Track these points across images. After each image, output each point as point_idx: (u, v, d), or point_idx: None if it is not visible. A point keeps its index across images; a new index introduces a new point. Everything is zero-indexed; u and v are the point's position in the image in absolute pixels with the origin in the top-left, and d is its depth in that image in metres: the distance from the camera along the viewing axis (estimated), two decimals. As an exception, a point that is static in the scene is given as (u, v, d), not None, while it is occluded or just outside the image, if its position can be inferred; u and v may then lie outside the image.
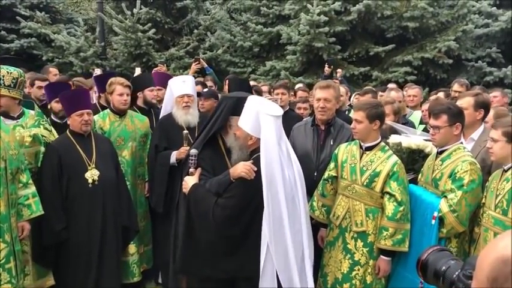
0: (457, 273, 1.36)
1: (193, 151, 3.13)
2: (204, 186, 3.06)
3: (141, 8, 10.59)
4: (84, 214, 3.93)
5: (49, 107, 4.56)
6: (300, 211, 3.06)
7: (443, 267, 1.41)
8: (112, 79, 4.73)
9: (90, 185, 3.94)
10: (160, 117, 4.62)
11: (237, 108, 3.14)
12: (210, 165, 3.20)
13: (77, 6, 15.93)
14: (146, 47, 10.44)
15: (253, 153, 3.01)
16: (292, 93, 6.41)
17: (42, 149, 3.94)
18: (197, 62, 7.45)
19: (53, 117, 4.53)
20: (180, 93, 4.36)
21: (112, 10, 11.14)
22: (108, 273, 4.01)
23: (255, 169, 2.89)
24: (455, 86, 5.83)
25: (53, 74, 6.63)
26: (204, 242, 3.02)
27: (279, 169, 2.88)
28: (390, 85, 7.48)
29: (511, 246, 0.91)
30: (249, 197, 2.92)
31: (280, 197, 2.87)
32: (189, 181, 3.11)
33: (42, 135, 3.97)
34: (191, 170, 3.13)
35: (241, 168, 2.92)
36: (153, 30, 10.58)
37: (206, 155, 3.20)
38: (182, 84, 4.41)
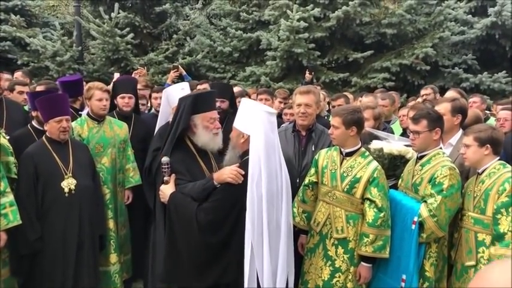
0: None
1: (165, 159, 3.06)
2: (182, 193, 3.00)
3: (119, 13, 10.47)
4: (60, 224, 3.83)
5: (34, 114, 4.37)
6: (282, 216, 3.01)
7: None
8: (90, 84, 4.63)
9: (66, 194, 3.84)
10: (157, 128, 4.48)
11: (196, 106, 3.14)
12: (184, 167, 3.14)
13: (53, 10, 15.67)
14: (124, 52, 10.31)
15: (243, 156, 2.97)
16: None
17: (12, 159, 3.81)
18: (175, 70, 7.37)
19: (34, 123, 4.35)
20: None
21: (89, 14, 10.98)
22: (86, 284, 3.91)
23: (243, 173, 2.85)
24: (422, 91, 6.22)
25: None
26: (186, 250, 2.96)
27: (266, 166, 2.83)
28: (381, 94, 7.57)
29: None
30: (233, 200, 2.87)
31: (263, 193, 2.83)
32: (166, 190, 3.04)
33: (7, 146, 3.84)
34: (165, 178, 3.07)
35: (227, 174, 2.87)
36: (132, 34, 10.46)
37: (178, 158, 3.15)
38: (182, 92, 4.21)
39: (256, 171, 2.81)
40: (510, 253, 2.96)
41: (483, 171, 3.21)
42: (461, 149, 3.33)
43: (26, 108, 5.18)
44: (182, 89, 4.33)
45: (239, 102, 5.52)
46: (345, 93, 7.09)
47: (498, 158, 3.23)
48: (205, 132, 3.19)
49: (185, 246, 2.96)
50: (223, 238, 2.90)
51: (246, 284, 2.84)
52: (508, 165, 3.22)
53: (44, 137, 3.94)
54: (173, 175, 3.08)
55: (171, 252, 3.02)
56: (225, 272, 2.91)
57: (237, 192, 2.84)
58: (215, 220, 2.86)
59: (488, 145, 3.17)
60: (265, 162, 2.84)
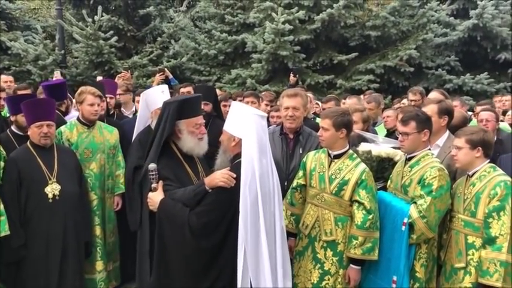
0: None
1: (152, 166, 2.97)
2: (172, 200, 2.94)
3: (102, 15, 10.35)
4: (44, 230, 3.76)
5: (13, 119, 4.29)
6: (275, 219, 3.00)
7: None
8: (82, 88, 4.57)
9: (50, 200, 3.78)
10: (136, 132, 4.39)
11: (182, 111, 3.10)
12: (171, 173, 3.10)
13: (34, 13, 15.47)
14: (108, 55, 10.21)
15: (235, 159, 2.95)
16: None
17: (3, 164, 3.73)
18: (161, 73, 7.30)
19: (14, 129, 4.27)
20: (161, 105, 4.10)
21: (72, 17, 10.87)
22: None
23: (234, 176, 2.82)
24: (410, 96, 6.01)
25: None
26: (178, 257, 2.89)
27: (259, 168, 2.81)
28: (368, 92, 7.62)
29: None
30: (226, 203, 2.83)
31: (258, 194, 2.80)
32: (155, 197, 2.97)
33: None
34: (153, 185, 2.99)
35: (219, 178, 2.83)
36: (115, 37, 10.36)
37: (164, 163, 3.10)
38: (161, 95, 4.12)
39: (249, 173, 2.78)
40: (502, 257, 2.99)
41: (473, 174, 3.22)
42: (452, 150, 3.33)
43: (3, 113, 5.09)
44: (162, 92, 4.22)
45: (223, 106, 5.52)
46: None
47: (488, 160, 3.24)
48: (191, 138, 3.15)
49: (177, 253, 2.89)
50: (218, 242, 2.85)
51: (239, 284, 2.79)
52: (498, 168, 3.24)
53: (28, 142, 3.87)
54: (161, 182, 3.01)
55: (161, 261, 2.95)
56: (219, 276, 2.87)
57: (230, 196, 2.80)
58: (208, 224, 2.82)
59: (479, 148, 3.17)
60: (258, 164, 2.82)
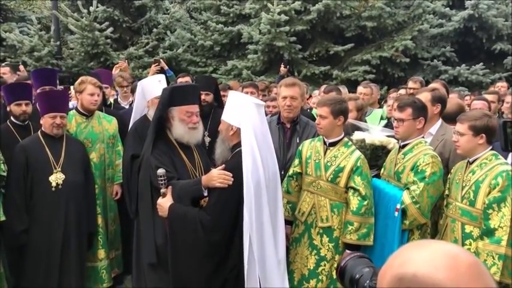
0: (367, 282, 1.41)
1: (161, 171, 2.94)
2: (181, 205, 2.95)
3: (97, 6, 10.33)
4: (45, 218, 3.80)
5: (8, 109, 4.29)
6: (278, 208, 3.05)
7: (358, 275, 1.45)
8: (83, 78, 4.60)
9: (53, 189, 3.82)
10: (132, 121, 4.38)
11: (174, 98, 3.13)
12: (168, 160, 3.12)
13: (29, 4, 15.36)
14: (104, 46, 10.19)
15: (234, 148, 2.96)
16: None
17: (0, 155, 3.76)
18: (157, 64, 7.30)
19: (12, 118, 4.26)
20: (158, 94, 3.79)
21: (67, 8, 10.82)
22: (72, 280, 3.88)
23: (231, 175, 2.82)
24: (410, 84, 6.02)
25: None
26: (194, 261, 2.89)
27: (260, 155, 2.83)
28: (364, 83, 7.62)
29: (406, 263, 0.93)
30: (234, 194, 2.84)
31: (262, 181, 2.81)
32: (164, 203, 2.95)
33: None
34: (162, 190, 2.97)
35: (216, 179, 2.83)
36: (111, 29, 10.34)
37: (161, 150, 3.13)
38: (158, 84, 4.09)
39: (251, 161, 2.79)
40: (501, 250, 2.87)
41: (474, 161, 3.10)
42: (453, 136, 3.23)
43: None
44: (159, 81, 4.19)
45: (222, 96, 5.52)
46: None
47: (491, 147, 3.10)
48: (181, 125, 3.17)
49: (193, 253, 2.89)
50: (229, 234, 2.86)
51: (247, 284, 2.80)
52: (500, 156, 3.09)
53: (39, 131, 3.96)
54: (170, 187, 2.99)
55: (177, 264, 2.94)
56: (232, 269, 2.89)
57: (235, 186, 2.81)
58: (219, 217, 2.82)
59: (483, 134, 3.04)
60: (259, 152, 2.84)
